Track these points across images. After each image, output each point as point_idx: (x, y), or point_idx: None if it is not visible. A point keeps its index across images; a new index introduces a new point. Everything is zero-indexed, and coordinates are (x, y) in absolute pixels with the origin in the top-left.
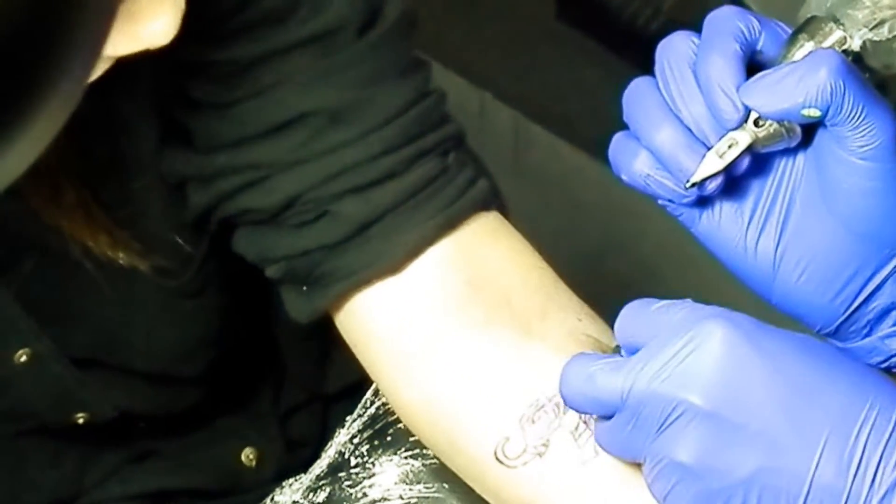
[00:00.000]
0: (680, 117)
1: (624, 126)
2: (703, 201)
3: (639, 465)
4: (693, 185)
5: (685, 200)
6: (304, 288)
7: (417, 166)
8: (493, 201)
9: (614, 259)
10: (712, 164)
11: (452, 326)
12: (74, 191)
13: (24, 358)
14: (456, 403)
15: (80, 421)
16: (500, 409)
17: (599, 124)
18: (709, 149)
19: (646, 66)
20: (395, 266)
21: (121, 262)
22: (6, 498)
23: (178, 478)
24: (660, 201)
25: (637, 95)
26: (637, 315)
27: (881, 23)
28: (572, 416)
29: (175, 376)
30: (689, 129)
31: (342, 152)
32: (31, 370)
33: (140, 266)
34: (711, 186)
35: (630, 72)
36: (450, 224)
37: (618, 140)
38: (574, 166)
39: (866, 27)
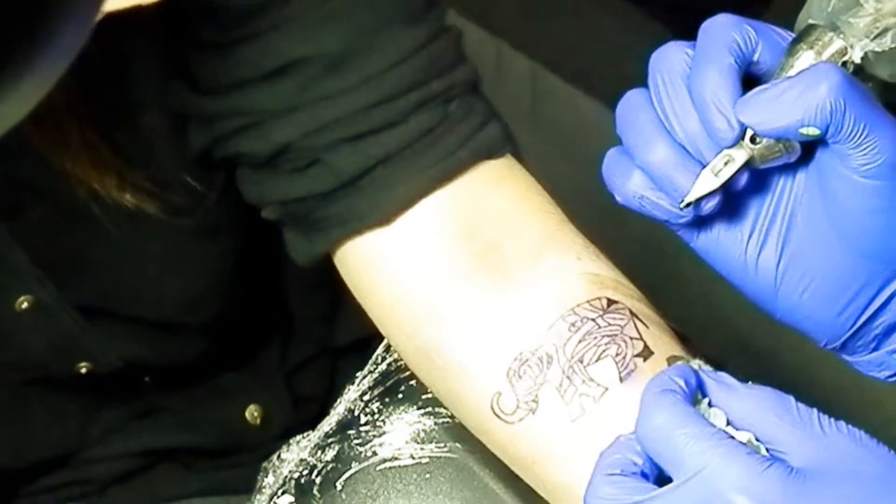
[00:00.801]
0: (673, 134)
1: (643, 79)
2: (700, 219)
3: (627, 420)
4: (688, 204)
5: (681, 221)
6: (304, 231)
7: (416, 116)
8: (502, 148)
9: (630, 215)
10: (708, 182)
11: (439, 277)
12: (79, 131)
13: (25, 305)
14: (446, 355)
15: (84, 370)
16: (489, 363)
17: (618, 76)
18: (704, 167)
19: (664, 17)
20: (386, 218)
21: (128, 204)
22: (8, 451)
23: (181, 435)
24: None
25: (630, 111)
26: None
27: (884, 31)
28: (556, 370)
29: (183, 325)
30: (684, 147)
31: (337, 101)
32: (33, 318)
33: (148, 208)
34: (708, 206)
35: (649, 22)
36: (446, 175)
37: (611, 158)
38: (592, 119)
39: (868, 37)
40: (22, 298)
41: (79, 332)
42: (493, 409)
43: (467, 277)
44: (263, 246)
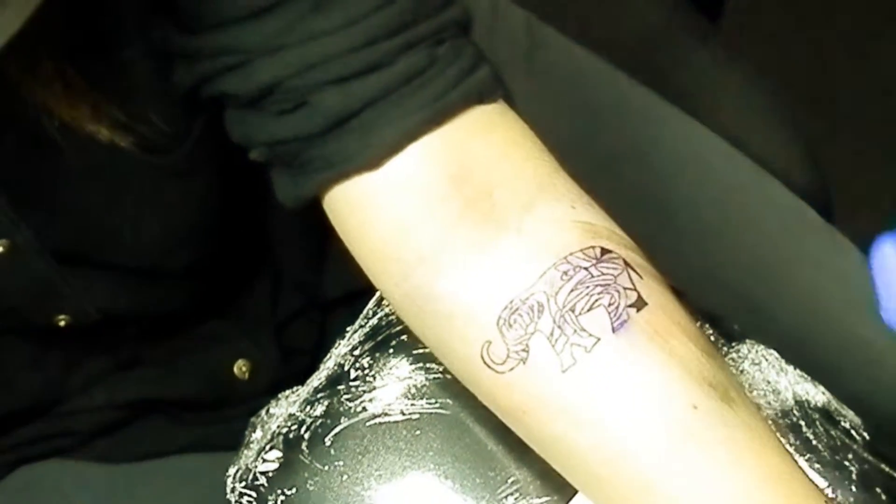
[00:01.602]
0: None
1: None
2: None
3: (621, 371)
4: None
5: None
6: (292, 174)
7: (404, 58)
8: (493, 92)
9: (629, 165)
10: None
11: (428, 224)
12: (52, 62)
13: (0, 249)
14: (434, 302)
15: (62, 324)
16: (479, 311)
17: (614, 26)
18: None
19: None
20: (373, 161)
21: (102, 137)
22: None
23: (165, 387)
24: None
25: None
26: None
27: None
28: (547, 319)
29: (162, 271)
30: None
31: (323, 41)
32: (8, 262)
33: (122, 142)
34: None
35: None
36: (434, 119)
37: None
38: (589, 69)
39: None
40: None
41: (56, 279)
42: (483, 358)
43: (457, 223)
44: (247, 191)
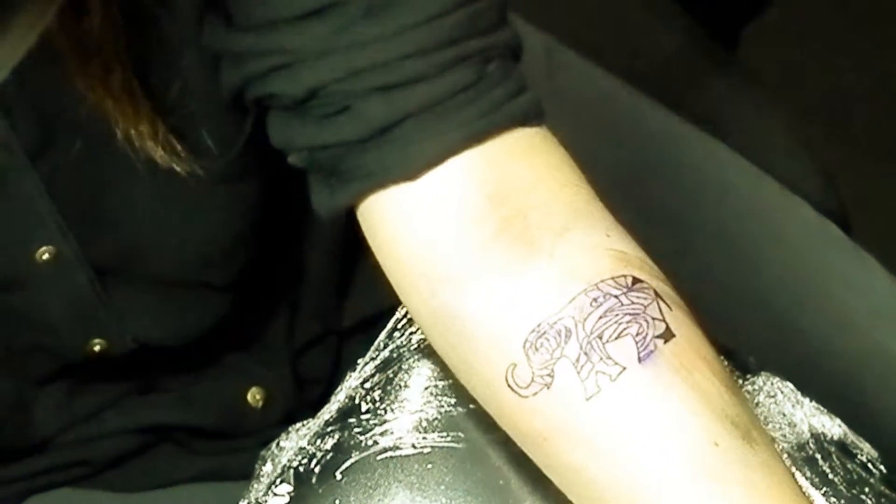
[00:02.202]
0: None
1: (655, 55)
2: None
3: (644, 402)
4: None
5: None
6: (329, 181)
7: (451, 72)
8: (537, 116)
9: (651, 185)
10: None
11: (461, 241)
12: (122, 72)
13: (46, 256)
14: (461, 321)
15: (97, 349)
16: (505, 333)
17: (632, 50)
18: None
19: None
20: (412, 173)
21: (158, 158)
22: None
23: (177, 413)
24: None
25: None
26: None
27: None
28: (574, 345)
29: (204, 285)
30: None
31: (372, 47)
32: (52, 272)
33: (177, 165)
34: None
35: None
36: (477, 136)
37: None
38: (609, 90)
39: None
40: (43, 249)
41: (96, 299)
42: (507, 380)
43: (490, 242)
44: (286, 205)
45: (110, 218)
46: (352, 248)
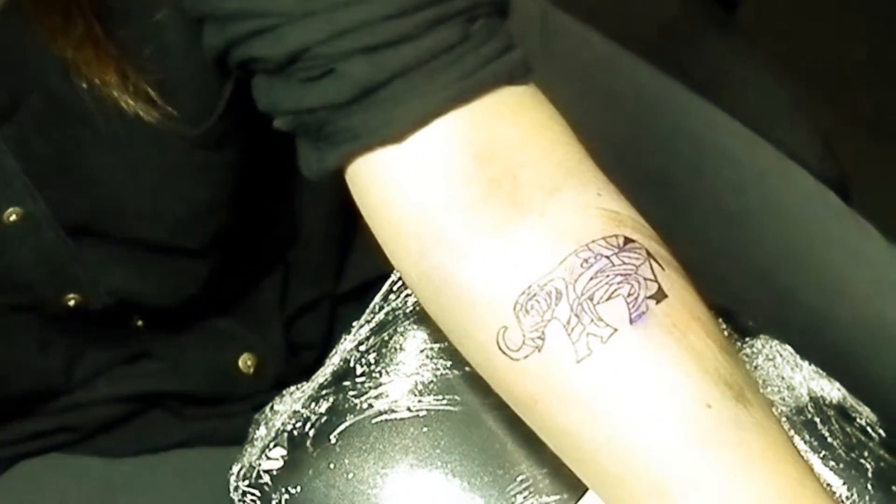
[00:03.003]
0: None
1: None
2: None
3: (636, 364)
4: None
5: None
6: (316, 144)
7: (436, 31)
8: (524, 75)
9: (649, 152)
10: None
11: (449, 202)
12: (84, 21)
13: (13, 217)
14: (452, 284)
15: (72, 303)
16: (496, 295)
17: (628, 14)
18: None
19: None
20: (399, 135)
21: (128, 108)
22: None
23: (169, 380)
24: None
25: None
26: None
27: None
28: (564, 307)
29: (178, 248)
30: None
31: (354, 8)
32: (21, 232)
33: (148, 116)
34: None
35: None
36: (463, 96)
37: None
38: (606, 56)
39: None
40: (10, 210)
41: (67, 255)
42: (498, 343)
43: (479, 203)
44: (271, 170)
45: (81, 179)
46: (347, 213)
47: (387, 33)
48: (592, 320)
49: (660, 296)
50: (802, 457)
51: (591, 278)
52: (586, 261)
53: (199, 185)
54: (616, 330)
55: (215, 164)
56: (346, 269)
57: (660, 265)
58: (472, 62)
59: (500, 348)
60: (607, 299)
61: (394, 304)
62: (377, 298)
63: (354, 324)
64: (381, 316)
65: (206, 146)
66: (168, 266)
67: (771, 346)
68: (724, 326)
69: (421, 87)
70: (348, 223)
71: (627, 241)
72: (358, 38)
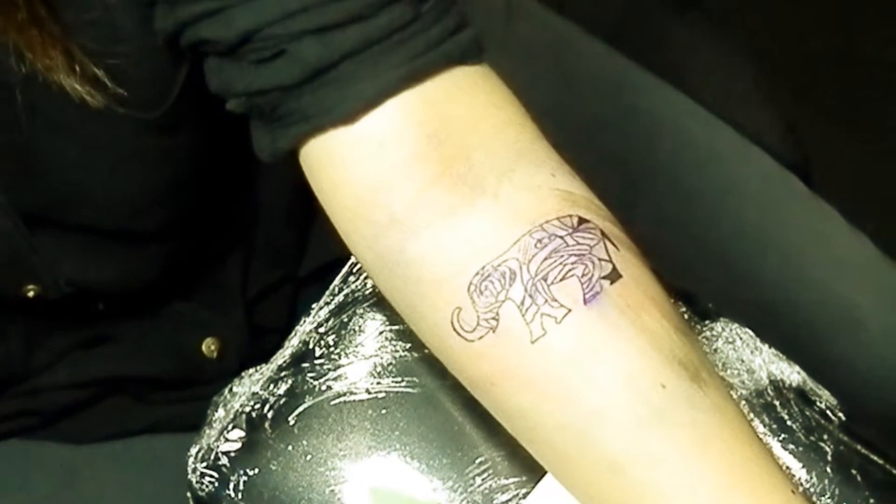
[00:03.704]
0: None
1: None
2: None
3: (590, 344)
4: None
5: None
6: (269, 126)
7: (387, 11)
8: (476, 54)
9: (607, 133)
10: None
11: (403, 183)
12: (27, 4)
13: None
14: (405, 265)
15: (31, 294)
16: (450, 276)
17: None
18: None
19: None
20: (350, 115)
21: (74, 93)
22: None
23: (131, 365)
24: None
25: None
26: None
27: None
28: (518, 287)
29: (134, 233)
30: None
31: None
32: None
33: (94, 101)
34: None
35: None
36: (414, 76)
37: None
38: (566, 38)
39: None
40: None
41: (24, 245)
42: (453, 325)
43: (433, 183)
44: (229, 154)
45: (35, 165)
46: (307, 194)
47: (336, 14)
48: (546, 301)
49: (614, 276)
50: (759, 436)
51: (546, 258)
52: (540, 241)
53: (154, 169)
54: (570, 310)
55: (170, 148)
56: (307, 250)
57: (614, 245)
58: (424, 42)
59: (454, 329)
60: (561, 279)
61: (353, 287)
62: (336, 280)
63: (314, 306)
64: (340, 298)
65: (161, 131)
66: (126, 252)
67: (731, 330)
68: (683, 309)
69: (371, 68)
70: (308, 205)
71: (582, 221)
72: (308, 18)
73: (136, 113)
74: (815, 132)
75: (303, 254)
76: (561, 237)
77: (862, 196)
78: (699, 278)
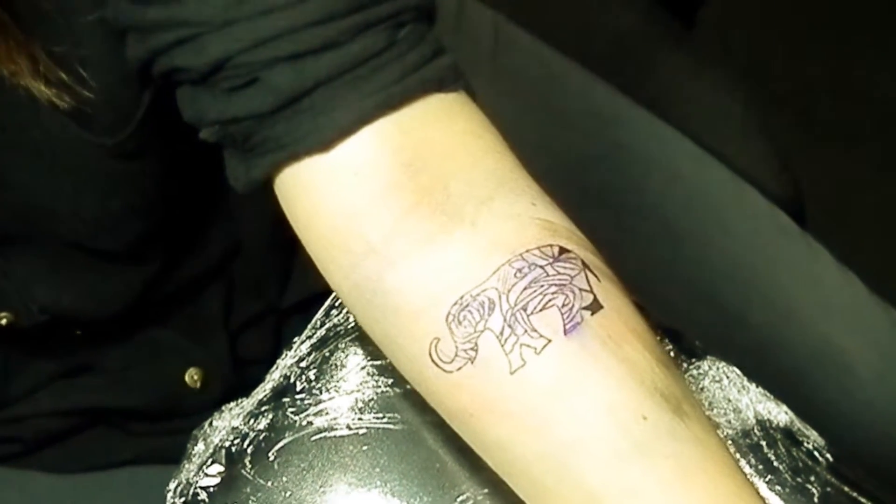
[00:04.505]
0: None
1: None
2: None
3: (570, 375)
4: None
5: None
6: (243, 155)
7: (361, 38)
8: (454, 81)
9: (595, 168)
10: None
11: (379, 212)
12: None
13: None
14: (383, 295)
15: (4, 322)
16: (427, 306)
17: (582, 29)
18: None
19: None
20: (325, 144)
21: (41, 95)
22: None
23: (113, 395)
24: None
25: None
26: None
27: None
28: (497, 318)
29: (102, 253)
30: None
31: (276, 15)
32: None
33: (61, 103)
34: None
35: None
36: (390, 103)
37: None
38: (555, 70)
39: None
40: None
41: None
42: (430, 355)
43: (409, 213)
44: (197, 180)
45: (1, 183)
46: (287, 223)
47: (309, 41)
48: (526, 331)
49: (595, 307)
50: (742, 470)
51: (525, 288)
52: (520, 270)
53: (117, 192)
54: (550, 341)
55: (134, 173)
56: (290, 281)
57: (595, 276)
58: (400, 69)
59: (432, 360)
60: (541, 310)
61: (335, 320)
62: (319, 314)
63: (296, 339)
64: (322, 332)
65: (124, 156)
66: (100, 276)
67: (718, 368)
68: (669, 347)
69: (346, 95)
70: (290, 236)
71: (563, 251)
72: (280, 45)
73: (97, 138)
74: (810, 158)
75: (285, 285)
76: (541, 267)
77: (855, 226)
78: (686, 317)
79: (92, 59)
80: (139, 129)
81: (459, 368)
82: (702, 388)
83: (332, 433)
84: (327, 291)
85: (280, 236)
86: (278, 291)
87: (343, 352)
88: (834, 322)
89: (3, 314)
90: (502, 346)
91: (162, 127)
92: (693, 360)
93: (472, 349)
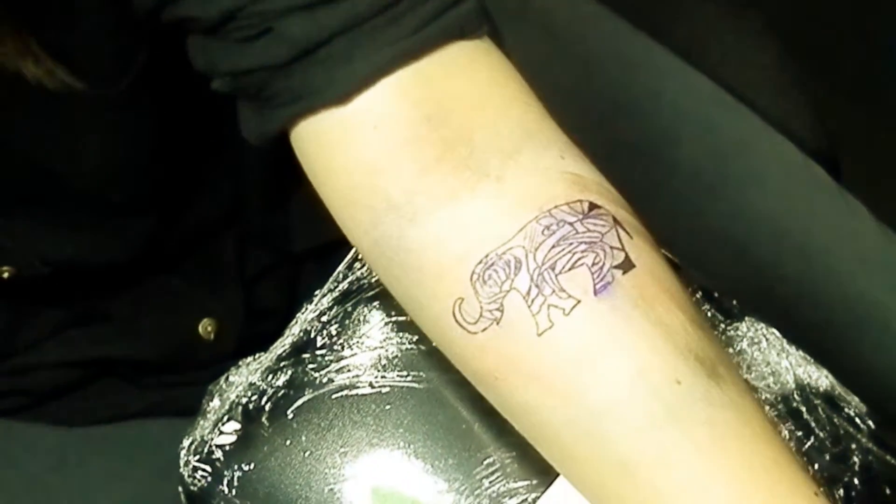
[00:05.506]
0: None
1: None
2: None
3: (600, 338)
4: None
5: None
6: (257, 107)
7: None
8: (477, 28)
9: (627, 119)
10: None
11: (401, 167)
12: None
13: None
14: (405, 253)
15: (6, 275)
16: (451, 265)
17: None
18: None
19: None
20: (343, 96)
21: (29, 75)
22: None
23: (123, 346)
24: None
25: None
26: None
27: None
28: (524, 277)
29: (105, 206)
30: None
31: None
32: None
33: (49, 83)
34: None
35: None
36: (410, 53)
37: None
38: (588, 16)
39: None
40: None
41: None
42: (454, 316)
43: (432, 168)
44: (200, 129)
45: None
46: (297, 168)
47: None
48: (554, 291)
49: (626, 266)
50: (780, 435)
51: (553, 246)
52: (548, 228)
53: (116, 145)
54: (579, 301)
55: (132, 125)
56: (299, 230)
57: (627, 233)
58: (420, 16)
59: (456, 321)
60: (570, 269)
61: (358, 273)
62: (341, 267)
63: (317, 292)
64: (344, 285)
65: (121, 108)
66: (103, 226)
67: (756, 330)
68: (706, 307)
69: (363, 46)
70: (289, 180)
71: (592, 206)
72: None
73: (93, 90)
74: (841, 115)
75: (296, 232)
76: (570, 224)
77: (890, 184)
78: (719, 272)
79: (84, 13)
80: (136, 80)
81: (484, 329)
82: (739, 351)
83: (354, 391)
84: (342, 240)
85: (287, 180)
86: (290, 239)
87: (366, 306)
88: (871, 277)
89: (6, 268)
90: (529, 306)
91: (162, 79)
92: (730, 321)
93: (497, 310)
